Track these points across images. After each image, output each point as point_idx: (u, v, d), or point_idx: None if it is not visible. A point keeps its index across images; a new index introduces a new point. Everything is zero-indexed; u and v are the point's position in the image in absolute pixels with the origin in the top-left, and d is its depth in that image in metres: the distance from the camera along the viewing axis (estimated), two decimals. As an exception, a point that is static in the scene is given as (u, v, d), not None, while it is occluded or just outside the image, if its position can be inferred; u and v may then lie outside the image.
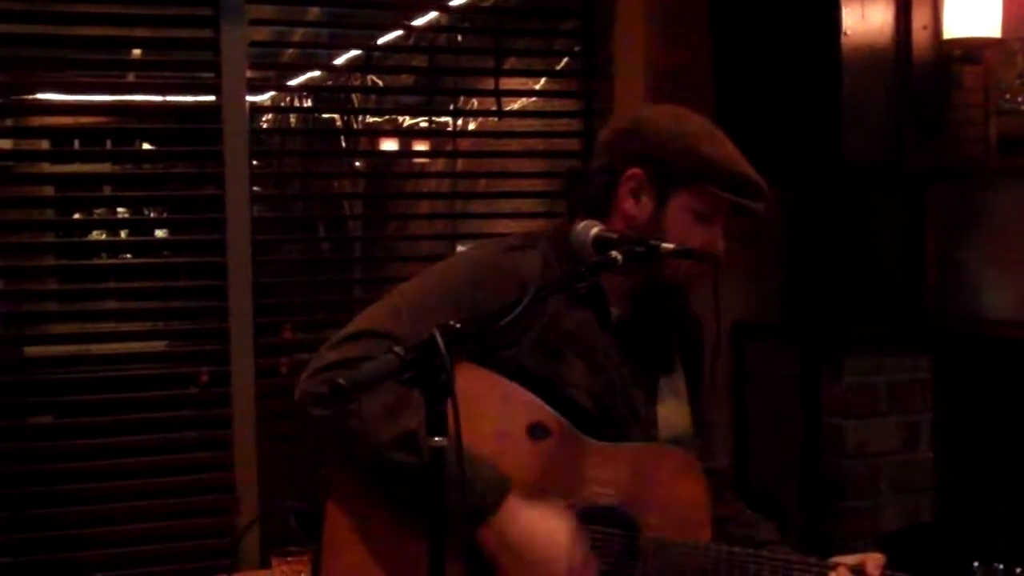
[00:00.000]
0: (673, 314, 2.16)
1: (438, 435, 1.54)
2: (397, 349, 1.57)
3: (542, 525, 1.86)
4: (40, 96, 3.76)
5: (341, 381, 1.53)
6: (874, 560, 1.98)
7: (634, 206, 2.01)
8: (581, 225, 1.93)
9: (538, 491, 1.86)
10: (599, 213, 2.02)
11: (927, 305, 3.71)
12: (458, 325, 1.63)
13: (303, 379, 1.89)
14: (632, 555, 1.93)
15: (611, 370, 2.03)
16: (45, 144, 4.03)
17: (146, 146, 4.14)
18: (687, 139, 2.00)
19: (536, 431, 1.86)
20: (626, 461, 1.97)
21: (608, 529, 1.94)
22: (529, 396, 1.92)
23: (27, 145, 4.13)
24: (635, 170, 2.00)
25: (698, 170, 1.98)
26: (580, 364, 1.99)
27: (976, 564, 1.96)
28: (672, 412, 2.11)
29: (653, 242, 1.89)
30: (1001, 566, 1.97)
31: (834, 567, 1.96)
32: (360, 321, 1.95)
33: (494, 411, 1.87)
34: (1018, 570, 1.98)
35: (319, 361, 1.89)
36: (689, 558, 1.94)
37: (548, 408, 1.92)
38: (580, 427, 1.96)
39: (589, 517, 1.93)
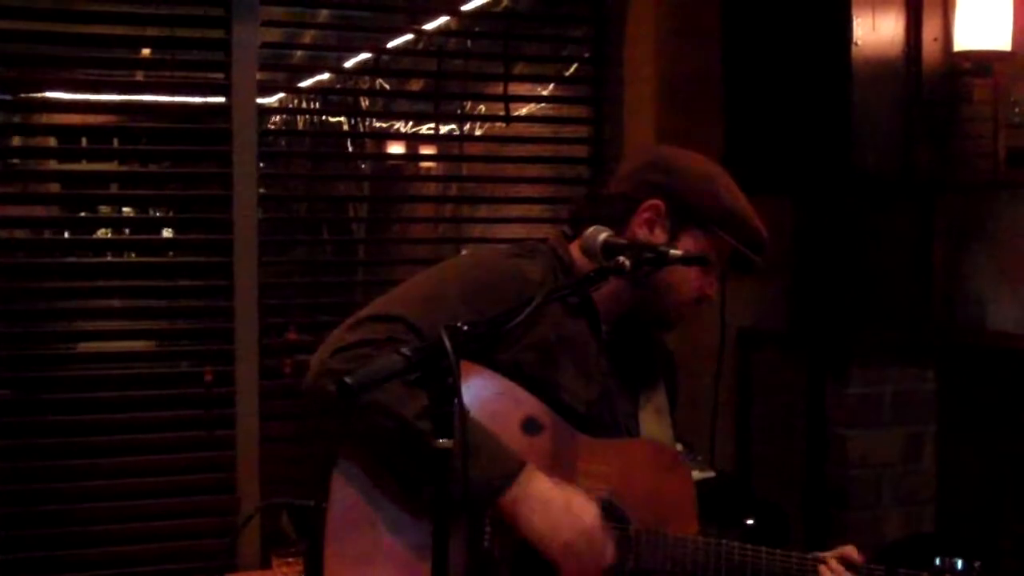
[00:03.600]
0: (654, 339, 2.25)
1: (444, 437, 1.55)
2: (404, 350, 1.58)
3: (559, 490, 1.89)
4: (50, 94, 3.76)
5: (348, 380, 1.54)
6: (852, 551, 2.07)
7: (647, 235, 2.07)
8: (591, 230, 1.96)
9: None
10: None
11: (933, 316, 3.71)
12: (465, 327, 1.64)
13: (321, 357, 1.89)
14: (625, 547, 1.96)
15: (600, 379, 2.08)
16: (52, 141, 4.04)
17: (153, 145, 4.14)
18: (711, 183, 2.09)
19: (529, 426, 1.89)
20: (616, 456, 2.03)
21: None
22: (522, 392, 1.95)
23: (35, 142, 4.13)
24: (655, 201, 2.07)
25: (716, 215, 2.06)
26: (573, 370, 2.03)
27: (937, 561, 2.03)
28: (654, 426, 2.17)
29: (662, 248, 1.91)
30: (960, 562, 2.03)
31: (824, 560, 2.02)
32: (378, 305, 1.96)
33: (489, 406, 1.89)
34: (976, 564, 2.04)
35: (339, 341, 1.90)
36: (679, 550, 1.98)
37: (541, 404, 1.96)
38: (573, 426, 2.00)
39: None
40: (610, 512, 1.98)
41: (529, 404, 1.94)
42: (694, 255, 1.98)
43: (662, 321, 2.13)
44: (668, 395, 2.26)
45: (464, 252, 2.16)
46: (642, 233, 2.07)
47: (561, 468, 1.95)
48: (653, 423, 2.17)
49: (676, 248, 1.93)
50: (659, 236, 2.06)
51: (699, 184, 2.08)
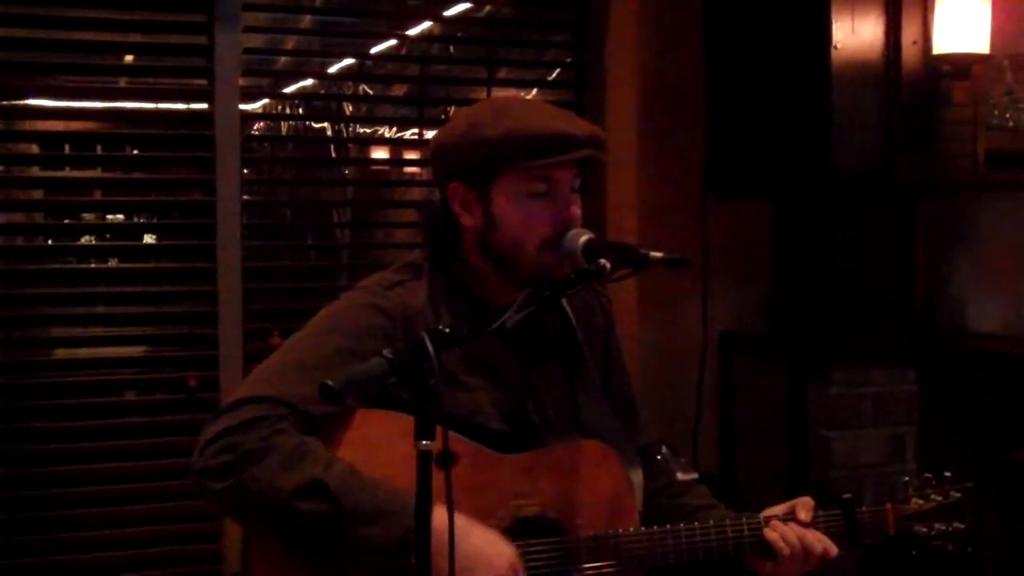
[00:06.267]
0: (569, 304, 2.13)
1: (426, 439, 1.55)
2: (386, 352, 1.58)
3: (472, 534, 1.80)
4: (32, 101, 3.75)
5: (329, 382, 1.53)
6: (804, 505, 2.08)
7: (470, 219, 1.99)
8: (572, 232, 1.92)
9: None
10: (451, 237, 2.03)
11: (914, 318, 3.73)
12: (447, 329, 1.64)
13: (195, 456, 1.81)
14: (567, 560, 1.93)
15: (518, 381, 2.02)
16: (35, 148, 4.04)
17: (136, 151, 4.13)
18: (471, 132, 1.94)
19: (442, 460, 1.71)
20: (543, 467, 1.97)
21: (537, 540, 1.92)
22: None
23: (18, 149, 4.12)
24: (451, 185, 1.99)
25: (494, 156, 1.92)
26: (483, 384, 1.97)
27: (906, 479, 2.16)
28: (593, 408, 2.09)
29: (643, 251, 1.83)
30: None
31: (767, 522, 2.03)
32: (248, 385, 1.89)
33: (399, 450, 1.73)
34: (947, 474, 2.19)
35: (206, 434, 1.81)
36: (624, 546, 1.95)
37: (452, 433, 1.81)
38: (496, 446, 1.93)
39: (516, 531, 1.91)
40: (547, 526, 1.94)
41: (439, 437, 1.77)
42: (674, 257, 1.82)
43: (540, 270, 1.94)
44: (603, 356, 2.17)
45: (345, 293, 2.03)
46: (466, 220, 1.99)
47: (487, 493, 1.90)
48: (587, 403, 2.09)
49: (654, 251, 1.82)
50: (477, 212, 1.97)
51: (462, 141, 1.95)
